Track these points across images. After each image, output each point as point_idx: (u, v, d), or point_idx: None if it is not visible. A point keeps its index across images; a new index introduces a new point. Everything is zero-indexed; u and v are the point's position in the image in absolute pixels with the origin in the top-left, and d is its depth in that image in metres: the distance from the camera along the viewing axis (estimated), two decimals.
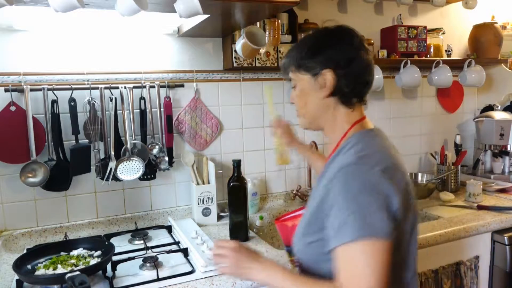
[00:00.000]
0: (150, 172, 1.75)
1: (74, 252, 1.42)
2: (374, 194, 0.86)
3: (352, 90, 1.00)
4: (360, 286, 0.83)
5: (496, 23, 2.45)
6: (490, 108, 2.53)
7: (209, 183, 1.84)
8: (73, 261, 1.34)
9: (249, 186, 1.85)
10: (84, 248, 1.45)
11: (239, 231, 1.60)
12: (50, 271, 1.28)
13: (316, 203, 0.95)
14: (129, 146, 1.68)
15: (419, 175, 2.28)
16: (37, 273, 1.28)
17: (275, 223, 1.35)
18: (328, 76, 0.98)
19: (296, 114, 1.10)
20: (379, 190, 0.87)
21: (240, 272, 1.01)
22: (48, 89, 1.57)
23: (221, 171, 1.88)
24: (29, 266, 1.33)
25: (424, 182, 2.22)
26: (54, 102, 1.58)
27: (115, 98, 1.65)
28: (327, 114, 1.03)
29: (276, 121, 1.49)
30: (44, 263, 1.35)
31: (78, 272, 1.13)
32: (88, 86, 1.63)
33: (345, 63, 0.98)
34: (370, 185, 0.87)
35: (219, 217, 1.87)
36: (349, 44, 1.00)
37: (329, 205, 0.90)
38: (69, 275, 1.11)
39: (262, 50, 1.83)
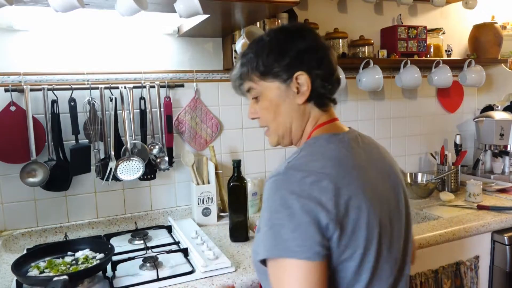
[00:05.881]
0: (150, 172, 1.75)
1: (80, 253, 1.41)
2: (296, 209, 0.75)
3: (329, 91, 0.92)
4: None
5: (496, 23, 2.44)
6: (490, 108, 2.53)
7: (209, 183, 1.84)
8: (69, 261, 1.34)
9: (249, 186, 1.85)
10: (85, 249, 1.44)
11: (239, 231, 1.60)
12: (47, 273, 1.27)
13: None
14: (129, 146, 1.68)
15: (419, 175, 2.27)
16: (29, 274, 1.27)
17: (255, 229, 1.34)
18: (303, 80, 0.88)
19: (265, 131, 1.01)
20: (304, 204, 0.75)
21: None
22: (48, 89, 1.56)
23: (221, 171, 1.88)
24: (28, 267, 1.32)
25: (424, 182, 2.22)
26: (54, 102, 1.58)
27: (115, 98, 1.65)
28: (301, 122, 0.93)
29: None
30: (37, 264, 1.34)
31: (65, 277, 1.12)
32: (88, 86, 1.63)
33: (317, 63, 0.89)
34: (293, 199, 0.76)
35: (219, 217, 1.87)
36: (315, 42, 0.90)
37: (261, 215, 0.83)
38: (55, 278, 1.11)
39: None
